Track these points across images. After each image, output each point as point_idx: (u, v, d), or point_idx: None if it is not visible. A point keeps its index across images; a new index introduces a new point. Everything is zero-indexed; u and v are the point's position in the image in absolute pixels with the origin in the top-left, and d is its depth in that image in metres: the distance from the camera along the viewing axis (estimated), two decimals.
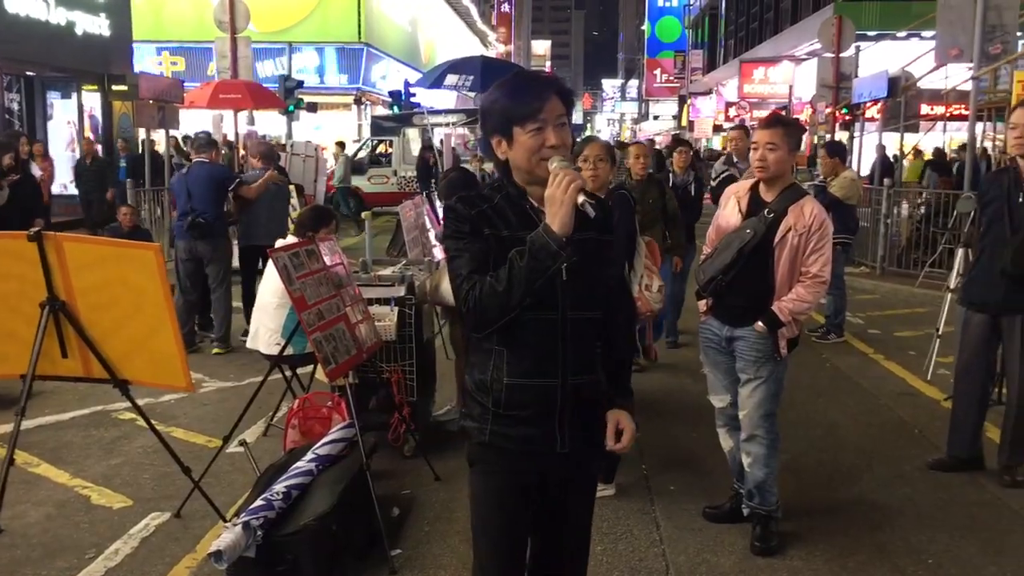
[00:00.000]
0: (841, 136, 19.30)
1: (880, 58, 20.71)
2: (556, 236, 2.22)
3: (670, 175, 7.98)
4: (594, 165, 4.50)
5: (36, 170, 10.94)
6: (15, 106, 17.63)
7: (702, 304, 4.27)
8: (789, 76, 29.97)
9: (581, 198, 2.23)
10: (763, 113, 28.20)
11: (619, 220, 4.44)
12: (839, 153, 8.67)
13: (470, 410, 2.51)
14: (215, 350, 7.97)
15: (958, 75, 16.28)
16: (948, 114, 18.00)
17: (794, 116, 24.64)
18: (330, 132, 27.47)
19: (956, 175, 16.21)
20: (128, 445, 5.58)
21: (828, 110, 18.47)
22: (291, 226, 7.62)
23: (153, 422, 4.38)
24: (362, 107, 31.12)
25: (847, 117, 17.72)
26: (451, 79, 12.17)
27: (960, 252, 7.08)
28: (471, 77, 11.85)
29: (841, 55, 17.61)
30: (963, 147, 14.95)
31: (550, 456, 2.45)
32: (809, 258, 3.93)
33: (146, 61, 26.94)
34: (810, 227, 3.91)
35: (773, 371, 4.03)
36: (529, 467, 2.47)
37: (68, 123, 19.20)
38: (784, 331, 3.97)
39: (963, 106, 15.54)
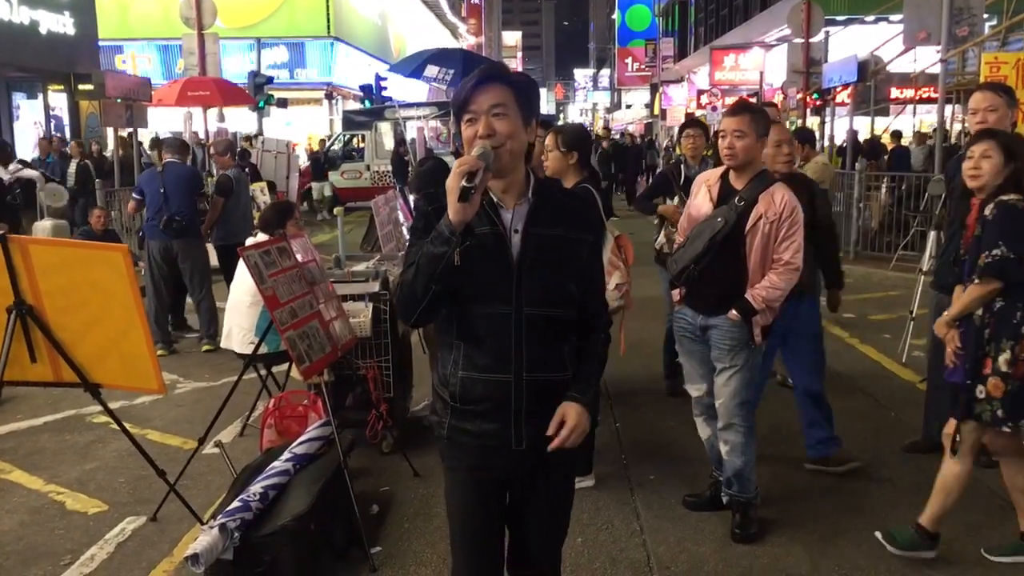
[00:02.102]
0: (812, 121, 19.41)
1: (849, 43, 20.80)
2: (449, 223, 2.20)
3: (681, 166, 6.28)
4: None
5: (3, 174, 10.75)
6: None
7: (675, 293, 4.27)
8: (760, 62, 30.02)
9: (463, 182, 2.18)
10: (734, 100, 28.32)
11: None
12: (809, 140, 8.69)
13: (434, 404, 2.53)
14: (206, 347, 7.90)
15: (926, 58, 16.42)
16: (917, 97, 18.14)
17: (766, 102, 24.72)
18: (301, 128, 27.30)
19: (888, 159, 16.42)
20: (103, 449, 5.51)
21: (799, 95, 18.56)
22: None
23: (128, 425, 4.33)
24: (333, 102, 30.91)
25: (818, 102, 17.80)
26: (431, 70, 12.00)
27: (932, 235, 7.14)
28: (451, 71, 11.69)
29: (811, 40, 17.69)
30: (932, 132, 15.07)
31: (508, 452, 2.43)
32: (781, 245, 3.93)
33: (114, 60, 26.61)
34: (781, 214, 3.91)
35: (748, 359, 4.04)
36: (489, 463, 2.46)
37: (35, 124, 18.95)
38: (758, 319, 3.97)
39: (932, 89, 15.66)
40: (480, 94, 2.31)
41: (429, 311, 2.34)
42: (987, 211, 3.64)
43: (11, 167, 11.34)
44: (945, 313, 3.89)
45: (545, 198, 2.42)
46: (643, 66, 54.91)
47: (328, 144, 22.86)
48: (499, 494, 2.55)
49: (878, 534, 4.04)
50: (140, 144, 14.79)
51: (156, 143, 9.35)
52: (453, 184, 2.19)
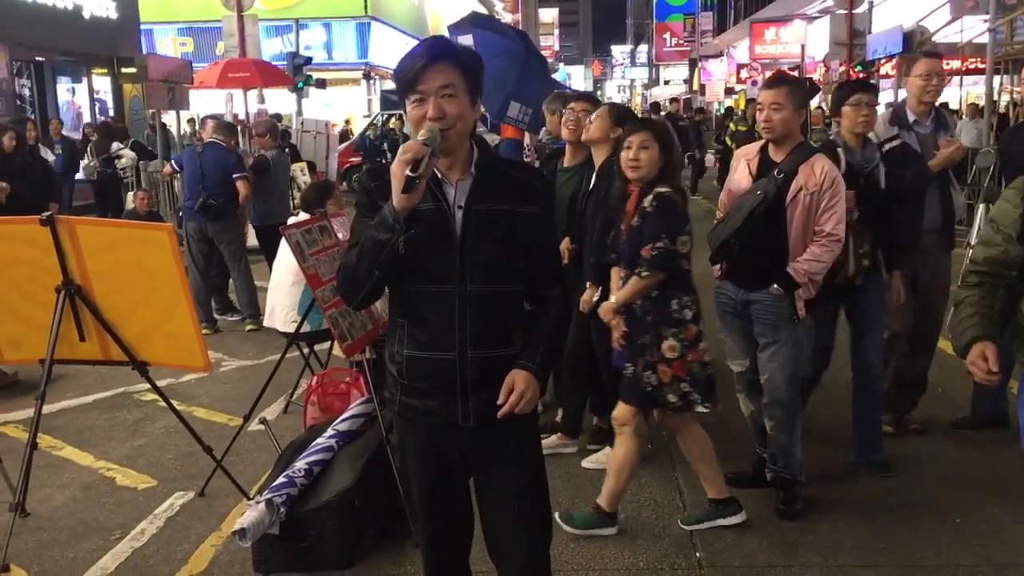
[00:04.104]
0: None
1: (894, 13, 20.36)
2: (393, 210, 2.16)
3: (839, 150, 4.28)
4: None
5: (48, 154, 10.94)
6: (26, 92, 17.64)
7: (716, 269, 4.23)
8: (801, 35, 29.56)
9: (407, 171, 2.11)
10: None
11: (608, 189, 4.36)
12: None
13: (386, 381, 2.51)
14: (249, 326, 8.00)
15: (974, 28, 16.01)
16: (964, 68, 17.72)
17: (807, 76, 24.32)
18: (340, 108, 27.36)
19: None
20: (151, 426, 5.61)
21: (842, 68, 18.24)
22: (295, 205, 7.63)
23: (174, 402, 4.40)
24: (371, 82, 30.95)
25: (861, 75, 17.49)
26: (513, 109, 11.27)
27: (980, 208, 6.98)
28: (530, 110, 10.71)
29: (854, 11, 17.37)
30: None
31: (455, 429, 2.41)
32: (822, 216, 3.88)
33: (155, 43, 26.89)
34: (821, 185, 3.85)
35: (792, 333, 4.00)
36: (438, 439, 2.45)
37: (71, 103, 19.19)
38: (801, 292, 3.93)
39: (979, 59, 15.30)
40: (428, 73, 2.22)
41: (372, 294, 2.34)
42: (646, 203, 3.71)
43: (113, 146, 12.06)
44: (611, 299, 3.95)
45: (488, 172, 2.37)
46: (681, 41, 54.31)
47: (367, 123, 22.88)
48: (458, 473, 2.52)
49: (556, 516, 3.74)
50: (164, 126, 15.01)
51: (201, 121, 9.55)
52: (398, 171, 2.14)
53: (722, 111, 30.13)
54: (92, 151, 13.37)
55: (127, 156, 13.23)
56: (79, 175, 14.07)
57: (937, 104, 4.88)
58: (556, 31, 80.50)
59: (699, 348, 3.78)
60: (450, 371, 2.34)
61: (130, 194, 11.32)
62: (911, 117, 4.74)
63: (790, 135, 3.94)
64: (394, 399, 2.48)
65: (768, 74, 27.93)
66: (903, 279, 4.52)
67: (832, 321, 4.68)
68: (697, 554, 3.86)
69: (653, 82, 70.80)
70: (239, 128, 14.64)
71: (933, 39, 16.63)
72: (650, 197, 3.70)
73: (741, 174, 4.08)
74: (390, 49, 31.08)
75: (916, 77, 4.71)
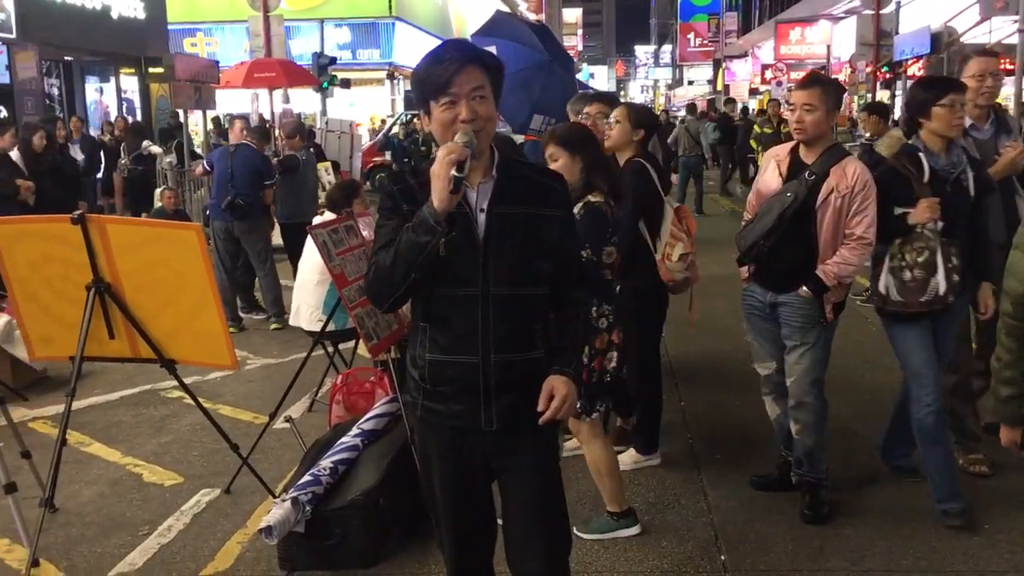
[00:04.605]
0: (882, 95, 18.91)
1: (922, 13, 20.19)
2: (434, 211, 2.15)
3: (920, 153, 3.99)
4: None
5: (77, 153, 11.06)
6: (55, 91, 17.84)
7: (744, 271, 4.20)
8: (827, 36, 29.39)
9: (453, 171, 2.12)
10: (800, 75, 27.70)
11: (627, 189, 4.35)
12: (882, 113, 8.46)
13: (407, 384, 2.49)
14: (273, 326, 8.04)
15: (1003, 28, 15.84)
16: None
17: (832, 76, 24.14)
18: (364, 108, 27.47)
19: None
20: (177, 423, 5.66)
21: (868, 69, 18.10)
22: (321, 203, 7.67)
23: (200, 400, 4.43)
24: (395, 82, 31.06)
25: (888, 75, 17.35)
26: (536, 120, 11.26)
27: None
28: (553, 119, 10.68)
29: (881, 12, 17.22)
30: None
31: (478, 434, 2.39)
32: (853, 219, 3.84)
33: (182, 43, 27.10)
34: (853, 188, 3.81)
35: (820, 336, 3.97)
36: (462, 444, 2.43)
37: (99, 103, 19.37)
38: (830, 295, 3.90)
39: (1008, 61, 15.12)
40: (461, 76, 2.23)
41: (405, 297, 2.32)
42: (575, 211, 3.54)
43: (143, 144, 12.51)
44: None
45: (510, 176, 2.36)
46: (706, 41, 54.06)
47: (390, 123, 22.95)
48: (481, 478, 2.50)
49: (575, 529, 3.79)
50: (183, 125, 15.22)
51: (229, 120, 9.70)
52: (442, 171, 2.13)
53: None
54: (124, 150, 13.53)
55: (154, 150, 13.37)
56: (98, 174, 14.24)
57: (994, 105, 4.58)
58: (579, 31, 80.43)
59: (606, 357, 3.78)
60: (474, 375, 2.33)
61: (157, 191, 11.44)
62: (967, 122, 4.40)
63: (822, 136, 3.90)
64: (416, 403, 2.46)
65: (792, 75, 27.77)
66: (991, 291, 4.11)
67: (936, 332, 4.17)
68: (722, 557, 3.84)
69: (677, 82, 70.57)
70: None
71: (961, 40, 16.47)
72: (579, 206, 3.65)
73: (771, 175, 4.05)
74: (414, 49, 31.18)
75: (969, 78, 4.39)
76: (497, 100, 2.31)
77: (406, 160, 18.76)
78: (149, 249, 3.95)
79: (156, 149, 12.91)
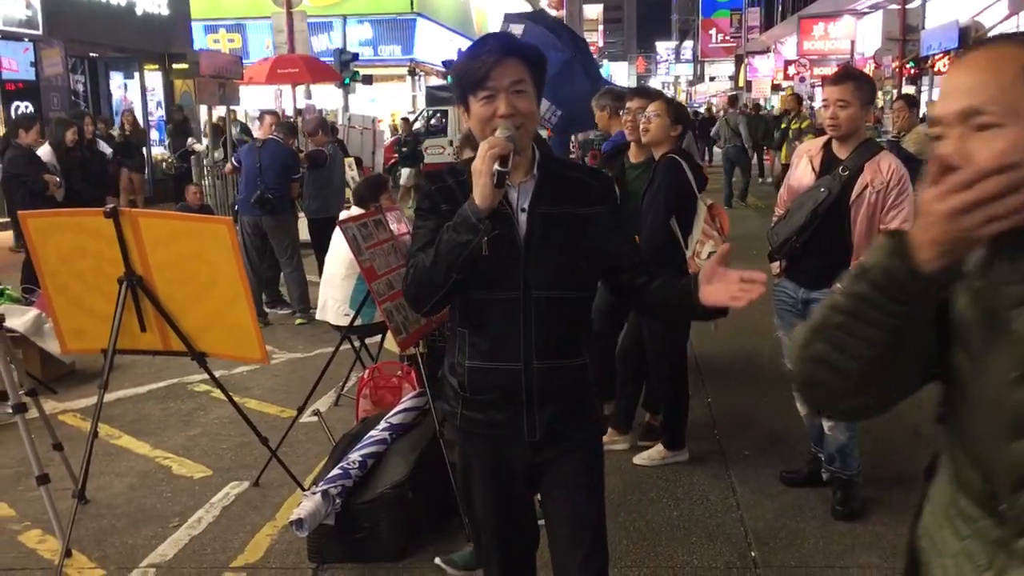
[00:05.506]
0: (907, 91, 18.74)
1: (948, 8, 19.99)
2: (476, 209, 2.07)
3: None
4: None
5: (105, 148, 11.16)
6: (80, 87, 17.99)
7: (775, 266, 4.17)
8: (851, 31, 29.10)
9: (496, 166, 2.05)
10: (823, 71, 27.51)
11: (660, 184, 4.40)
12: (913, 105, 8.36)
13: (445, 392, 2.41)
14: (299, 321, 8.08)
15: None
16: None
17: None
18: (385, 104, 27.54)
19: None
20: (205, 416, 5.69)
21: (894, 64, 17.95)
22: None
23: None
24: (416, 78, 31.11)
25: (914, 71, 17.20)
26: (543, 106, 11.34)
27: None
28: (559, 112, 10.81)
29: (907, 6, 17.07)
30: None
31: (520, 443, 2.31)
32: (888, 214, 3.79)
33: (206, 39, 27.27)
34: (888, 183, 3.78)
35: None
36: (504, 454, 2.36)
37: (124, 99, 19.51)
38: None
39: None
40: (499, 69, 2.13)
41: (445, 299, 2.24)
42: None
43: (188, 141, 12.97)
44: None
45: (549, 174, 2.28)
46: (727, 37, 53.75)
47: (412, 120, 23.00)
48: (523, 488, 2.43)
49: (438, 560, 3.72)
50: (186, 120, 15.35)
51: (260, 115, 9.81)
52: (485, 167, 2.06)
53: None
54: (169, 146, 13.71)
55: (198, 148, 13.59)
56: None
57: None
58: (600, 27, 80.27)
59: None
60: (516, 382, 2.25)
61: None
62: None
63: (856, 132, 3.87)
64: (455, 413, 2.37)
65: (815, 71, 27.47)
66: None
67: None
68: (752, 553, 3.82)
69: (698, 79, 70.26)
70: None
71: (990, 34, 16.29)
72: None
73: (803, 171, 4.01)
74: (435, 46, 31.23)
75: None
76: (539, 95, 2.23)
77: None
78: (181, 243, 3.97)
79: (200, 147, 13.07)
